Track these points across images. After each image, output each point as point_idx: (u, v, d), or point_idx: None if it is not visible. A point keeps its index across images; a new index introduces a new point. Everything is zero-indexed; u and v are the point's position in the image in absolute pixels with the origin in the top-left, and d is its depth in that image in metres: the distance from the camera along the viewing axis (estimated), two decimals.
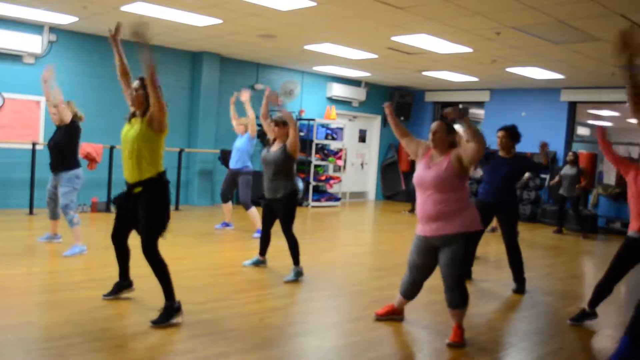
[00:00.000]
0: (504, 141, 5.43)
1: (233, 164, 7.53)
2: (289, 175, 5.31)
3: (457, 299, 3.78)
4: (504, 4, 5.53)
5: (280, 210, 5.30)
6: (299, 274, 5.30)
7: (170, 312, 3.81)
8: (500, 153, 5.54)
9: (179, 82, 10.05)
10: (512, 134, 5.43)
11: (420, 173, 3.81)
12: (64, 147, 5.72)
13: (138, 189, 3.83)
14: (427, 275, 4.02)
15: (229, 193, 7.72)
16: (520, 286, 5.45)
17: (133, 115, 3.95)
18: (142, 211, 3.82)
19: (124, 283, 4.33)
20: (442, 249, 3.76)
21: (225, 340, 3.62)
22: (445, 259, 3.74)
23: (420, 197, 3.82)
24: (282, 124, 5.35)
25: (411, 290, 4.10)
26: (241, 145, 7.51)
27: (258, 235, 7.30)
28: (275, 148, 5.39)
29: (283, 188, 5.25)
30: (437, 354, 3.73)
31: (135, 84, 3.90)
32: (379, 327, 4.11)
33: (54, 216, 6.03)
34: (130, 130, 3.86)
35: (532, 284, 5.94)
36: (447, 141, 3.78)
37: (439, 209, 3.69)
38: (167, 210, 3.91)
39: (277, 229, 5.41)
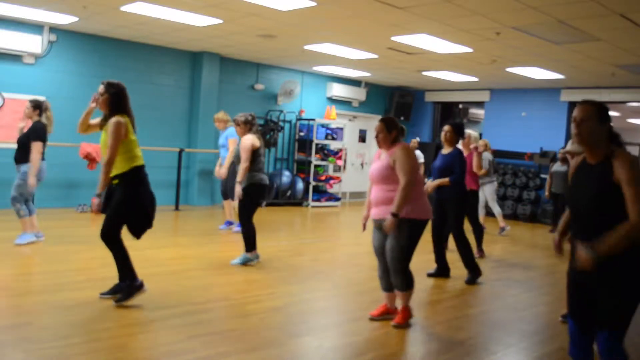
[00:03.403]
0: (448, 135, 5.70)
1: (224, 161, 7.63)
2: (251, 168, 5.66)
3: (401, 282, 4.04)
4: (504, 4, 5.53)
5: (240, 199, 5.71)
6: (247, 259, 5.71)
7: (130, 291, 4.16)
8: (444, 150, 5.77)
9: (179, 82, 10.05)
10: (457, 129, 5.73)
11: (371, 167, 4.21)
12: (25, 142, 5.86)
13: (115, 181, 4.17)
14: None
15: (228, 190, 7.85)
16: (473, 275, 5.68)
17: (105, 120, 4.24)
18: (114, 198, 4.16)
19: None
20: (389, 234, 3.99)
21: (225, 340, 3.62)
22: (389, 244, 3.99)
23: (372, 186, 4.20)
24: (242, 122, 5.78)
25: (388, 279, 4.20)
26: (224, 142, 7.62)
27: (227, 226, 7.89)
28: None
29: (246, 179, 5.65)
30: (437, 354, 3.73)
31: (100, 88, 4.20)
32: (379, 327, 4.11)
33: (30, 213, 6.06)
34: (103, 137, 4.22)
35: (532, 283, 5.94)
36: (389, 138, 4.07)
37: (386, 196, 3.99)
38: (139, 204, 4.18)
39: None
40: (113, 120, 4.11)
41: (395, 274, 4.04)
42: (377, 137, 4.09)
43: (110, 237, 4.15)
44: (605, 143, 2.60)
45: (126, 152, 4.16)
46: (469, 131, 7.08)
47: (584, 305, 2.68)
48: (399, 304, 4.17)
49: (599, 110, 2.61)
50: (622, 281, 2.52)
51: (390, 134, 4.04)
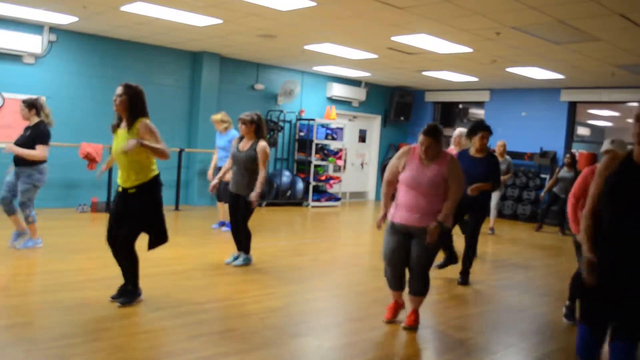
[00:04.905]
0: (485, 142, 5.55)
1: (222, 162, 7.58)
2: (256, 174, 5.52)
3: (422, 286, 4.08)
4: (504, 4, 5.53)
5: (241, 206, 5.54)
6: (247, 260, 5.68)
7: (134, 296, 4.20)
8: (473, 152, 5.61)
9: (179, 82, 10.05)
10: (490, 133, 5.60)
11: (414, 175, 3.97)
12: (30, 145, 5.59)
13: (132, 190, 4.08)
14: (407, 263, 4.11)
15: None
16: (464, 278, 5.60)
17: (117, 125, 4.15)
18: (132, 208, 4.08)
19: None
20: (417, 239, 3.95)
21: (225, 340, 3.62)
22: (419, 250, 3.95)
23: (409, 193, 3.98)
24: (248, 122, 5.51)
25: (401, 280, 4.20)
26: (225, 144, 7.59)
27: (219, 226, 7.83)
28: (245, 147, 5.53)
29: (248, 186, 5.49)
30: (438, 354, 3.73)
31: (118, 90, 4.06)
32: (379, 327, 4.11)
33: (12, 211, 5.78)
34: (121, 144, 4.06)
35: (532, 284, 5.94)
36: (437, 151, 3.99)
37: (430, 205, 3.92)
38: (158, 211, 4.18)
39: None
40: (145, 122, 4.01)
41: (420, 280, 4.06)
42: (427, 151, 3.93)
43: (130, 246, 4.11)
44: None
45: (148, 158, 4.08)
46: (459, 129, 6.99)
47: (605, 308, 2.70)
48: (410, 306, 4.18)
49: None
50: None
51: (440, 145, 3.98)
